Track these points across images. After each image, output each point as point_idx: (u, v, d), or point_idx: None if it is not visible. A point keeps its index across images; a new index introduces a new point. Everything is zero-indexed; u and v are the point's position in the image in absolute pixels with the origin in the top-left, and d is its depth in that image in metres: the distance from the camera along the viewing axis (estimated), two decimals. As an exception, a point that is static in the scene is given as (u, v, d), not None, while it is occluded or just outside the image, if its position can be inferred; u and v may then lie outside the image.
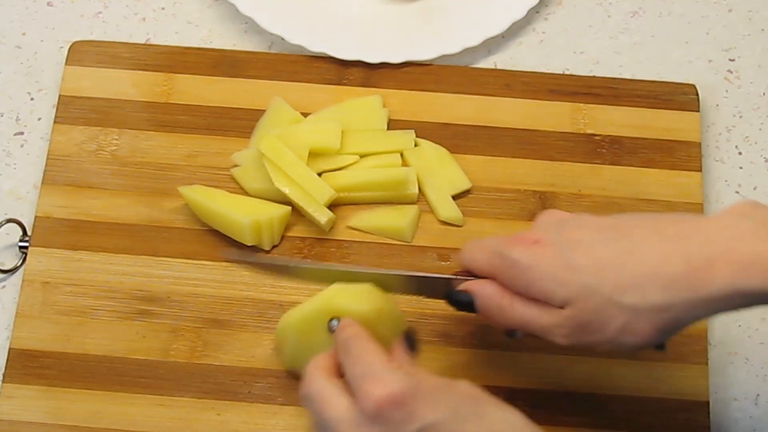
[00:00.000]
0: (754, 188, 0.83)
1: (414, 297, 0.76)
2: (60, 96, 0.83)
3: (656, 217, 0.63)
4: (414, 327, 0.71)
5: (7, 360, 0.75)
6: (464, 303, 0.67)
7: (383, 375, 0.60)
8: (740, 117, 0.85)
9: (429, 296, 0.72)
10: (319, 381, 0.63)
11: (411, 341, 0.69)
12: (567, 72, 0.86)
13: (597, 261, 0.61)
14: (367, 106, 0.83)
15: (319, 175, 0.78)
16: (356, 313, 0.67)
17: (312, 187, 0.77)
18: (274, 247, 0.78)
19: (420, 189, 0.80)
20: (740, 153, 0.84)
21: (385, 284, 0.71)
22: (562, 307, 0.62)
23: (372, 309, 0.68)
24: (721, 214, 0.61)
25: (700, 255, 0.59)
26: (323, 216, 0.77)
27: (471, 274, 0.67)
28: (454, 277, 0.68)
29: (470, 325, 0.76)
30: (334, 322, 0.68)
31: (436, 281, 0.70)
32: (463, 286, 0.67)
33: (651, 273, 0.59)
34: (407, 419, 0.59)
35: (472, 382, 0.64)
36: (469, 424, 0.59)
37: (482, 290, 0.66)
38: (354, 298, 0.69)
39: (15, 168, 0.83)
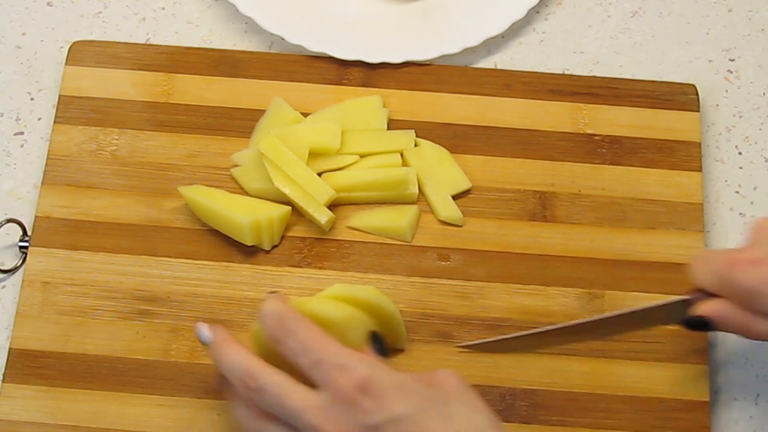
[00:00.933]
0: (754, 188, 0.83)
1: (414, 299, 0.77)
2: (60, 96, 0.83)
3: None
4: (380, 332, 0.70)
5: (7, 360, 0.75)
6: (703, 326, 0.67)
7: (354, 363, 0.60)
8: (740, 117, 0.85)
9: (664, 323, 0.72)
10: (265, 373, 0.62)
11: (380, 344, 0.68)
12: (567, 72, 0.86)
13: None
14: (367, 106, 0.83)
15: (319, 175, 0.78)
16: (324, 318, 0.67)
17: (312, 187, 0.77)
18: (274, 247, 0.78)
19: (420, 189, 0.80)
20: (740, 153, 0.84)
21: (608, 327, 0.72)
22: None
23: (342, 316, 0.68)
24: None
25: None
26: (323, 216, 0.77)
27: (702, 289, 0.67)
28: (690, 297, 0.68)
29: (470, 325, 0.76)
30: (202, 328, 0.66)
31: (671, 307, 0.70)
32: (699, 311, 0.67)
33: None
34: (376, 409, 0.59)
35: (454, 372, 0.63)
36: (435, 422, 0.59)
37: (719, 313, 0.66)
38: (324, 304, 0.69)
39: (15, 168, 0.83)
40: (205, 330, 0.66)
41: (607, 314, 0.73)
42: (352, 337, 0.68)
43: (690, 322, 0.68)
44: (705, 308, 0.66)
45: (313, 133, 0.80)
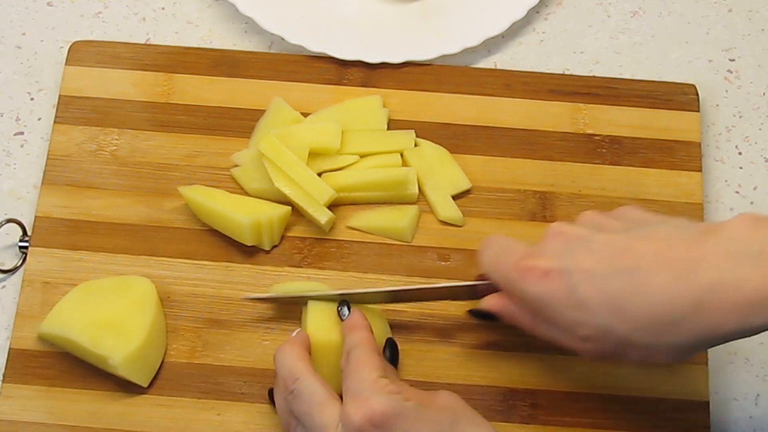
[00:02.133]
0: (754, 188, 0.83)
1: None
2: (60, 96, 0.83)
3: (665, 234, 0.61)
4: (394, 339, 0.73)
5: (7, 360, 0.75)
6: (489, 318, 0.69)
7: (369, 395, 0.62)
8: (740, 117, 0.85)
9: (454, 299, 0.74)
10: (307, 380, 0.65)
11: (393, 351, 0.72)
12: (567, 72, 0.86)
13: (608, 300, 0.61)
14: (367, 106, 0.83)
15: (319, 175, 0.78)
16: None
17: (312, 187, 0.77)
18: (274, 247, 0.78)
19: (420, 189, 0.80)
20: (740, 153, 0.84)
21: (404, 297, 0.74)
22: (582, 340, 0.63)
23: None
24: (727, 232, 0.60)
25: (709, 297, 0.58)
26: (323, 216, 0.77)
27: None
28: (478, 283, 0.70)
29: (470, 325, 0.76)
30: (345, 311, 0.71)
31: (459, 289, 0.72)
32: (484, 305, 0.68)
33: (660, 314, 0.60)
34: None
35: (452, 393, 0.66)
36: None
37: (504, 311, 0.67)
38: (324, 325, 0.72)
39: (15, 168, 0.83)
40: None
41: (407, 287, 0.75)
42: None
43: (476, 314, 0.70)
44: (491, 303, 0.67)
45: (313, 133, 0.80)
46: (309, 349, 0.69)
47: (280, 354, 0.67)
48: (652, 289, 0.60)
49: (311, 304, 0.73)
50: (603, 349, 0.63)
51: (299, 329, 0.72)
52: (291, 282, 0.77)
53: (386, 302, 0.75)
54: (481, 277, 0.70)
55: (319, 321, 0.72)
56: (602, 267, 0.61)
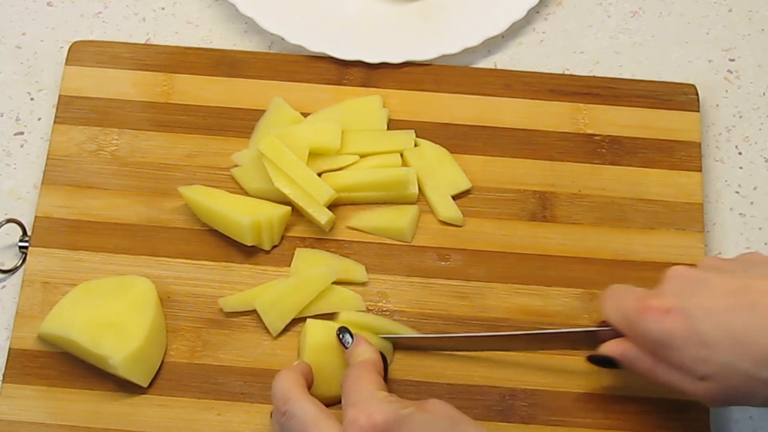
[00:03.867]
0: (754, 188, 0.83)
1: (414, 299, 0.77)
2: (60, 96, 0.83)
3: None
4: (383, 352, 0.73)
5: (7, 360, 0.75)
6: (609, 364, 0.68)
7: (369, 404, 0.62)
8: (740, 117, 0.85)
9: (574, 348, 0.73)
10: (300, 402, 0.65)
11: (384, 363, 0.71)
12: (567, 72, 0.86)
13: (730, 336, 0.61)
14: (367, 106, 0.83)
15: (319, 175, 0.78)
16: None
17: (312, 187, 0.77)
18: (274, 247, 0.78)
19: (420, 189, 0.80)
20: (740, 153, 0.84)
21: (514, 345, 0.74)
22: (703, 379, 0.63)
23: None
24: None
25: None
26: (323, 216, 0.77)
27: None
28: (599, 329, 0.69)
29: (470, 325, 0.76)
30: (348, 338, 0.70)
31: (578, 335, 0.71)
32: (604, 351, 0.68)
33: None
34: None
35: (441, 401, 0.66)
36: None
37: (624, 355, 0.67)
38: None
39: (15, 168, 0.83)
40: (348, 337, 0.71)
41: (516, 332, 0.74)
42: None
43: (596, 360, 0.69)
44: (611, 348, 0.67)
45: (313, 133, 0.80)
46: (308, 378, 0.69)
47: (276, 379, 0.68)
48: None
49: (310, 323, 0.73)
50: (726, 388, 0.62)
51: (300, 360, 0.72)
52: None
53: (489, 349, 0.74)
54: (602, 324, 0.69)
55: (319, 341, 0.73)
56: (722, 304, 0.62)
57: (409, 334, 0.75)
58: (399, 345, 0.75)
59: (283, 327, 0.75)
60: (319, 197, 0.77)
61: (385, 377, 0.71)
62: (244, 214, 0.76)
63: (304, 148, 0.78)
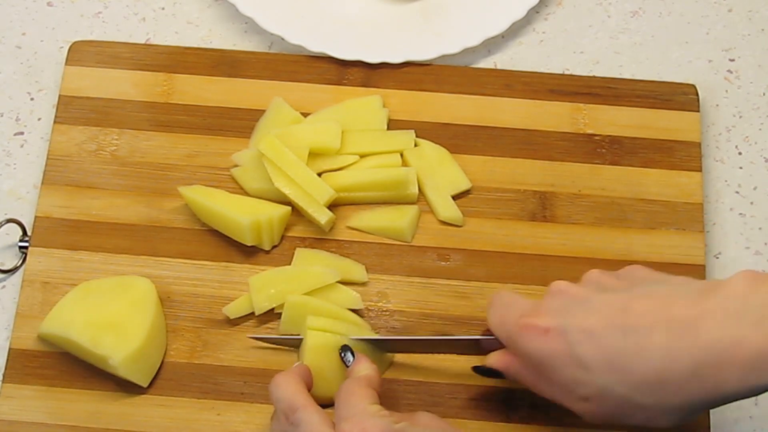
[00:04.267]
0: (754, 188, 0.83)
1: (414, 299, 0.77)
2: (60, 96, 0.83)
3: (665, 293, 0.61)
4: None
5: (7, 360, 0.75)
6: (493, 374, 0.68)
7: (362, 418, 0.62)
8: (740, 117, 0.85)
9: (459, 353, 0.73)
10: (306, 411, 0.64)
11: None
12: (567, 72, 0.86)
13: (607, 359, 0.61)
14: (367, 106, 0.83)
15: (319, 175, 0.78)
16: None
17: (312, 187, 0.77)
18: (274, 247, 0.78)
19: (420, 189, 0.80)
20: (740, 153, 0.84)
21: (412, 347, 0.74)
22: (582, 399, 0.63)
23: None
24: (727, 290, 0.59)
25: (709, 356, 0.58)
26: (323, 216, 0.77)
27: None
28: (483, 338, 0.70)
29: (470, 325, 0.76)
30: (349, 357, 0.70)
31: (463, 343, 0.72)
32: (488, 362, 0.68)
33: (660, 373, 0.59)
34: None
35: (430, 413, 0.66)
36: None
37: (507, 368, 0.67)
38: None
39: (15, 168, 0.83)
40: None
41: (415, 336, 0.75)
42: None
43: (480, 371, 0.69)
44: (495, 360, 0.67)
45: (313, 133, 0.80)
46: (309, 382, 0.69)
47: (276, 386, 0.67)
48: (651, 349, 0.59)
49: (311, 324, 0.73)
50: (604, 410, 0.62)
51: (299, 362, 0.72)
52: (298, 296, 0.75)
53: (387, 351, 0.75)
54: (487, 332, 0.69)
55: (319, 342, 0.72)
56: (601, 326, 0.61)
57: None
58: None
59: (266, 310, 0.75)
60: (319, 197, 0.77)
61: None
62: (244, 214, 0.76)
63: (304, 148, 0.78)
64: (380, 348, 0.74)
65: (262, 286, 0.75)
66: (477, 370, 0.70)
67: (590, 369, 0.61)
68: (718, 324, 0.58)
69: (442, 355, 0.75)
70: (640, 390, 0.60)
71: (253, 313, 0.75)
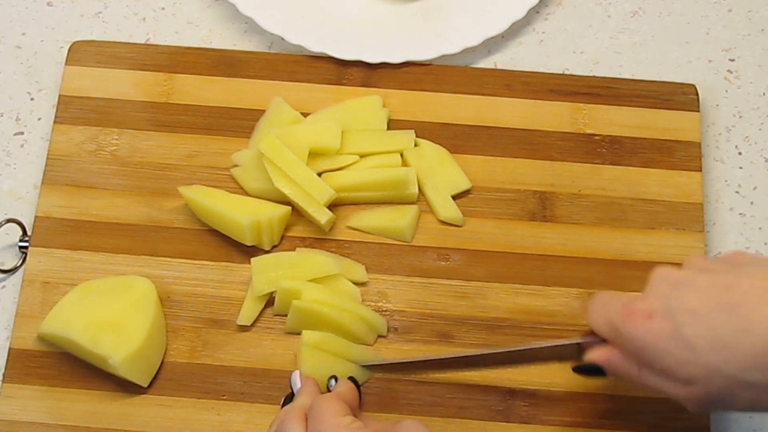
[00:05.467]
0: (754, 188, 0.83)
1: (414, 299, 0.77)
2: (60, 96, 0.83)
3: (762, 272, 0.61)
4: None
5: (7, 360, 0.75)
6: (595, 372, 0.67)
7: (332, 430, 0.63)
8: (740, 117, 0.85)
9: (560, 361, 0.73)
10: (291, 418, 0.65)
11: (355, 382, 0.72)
12: (567, 72, 0.86)
13: (714, 338, 0.60)
14: (367, 106, 0.83)
15: (319, 175, 0.78)
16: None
17: (312, 187, 0.77)
18: (274, 247, 0.78)
19: (420, 189, 0.80)
20: (740, 153, 0.84)
21: (503, 359, 0.74)
22: (687, 382, 0.62)
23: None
24: None
25: None
26: (323, 216, 0.77)
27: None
28: (584, 341, 0.68)
29: (470, 325, 0.76)
30: (332, 383, 0.72)
31: (565, 348, 0.71)
32: (589, 358, 0.66)
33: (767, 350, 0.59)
34: None
35: (417, 421, 0.64)
36: None
37: (609, 363, 0.66)
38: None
39: (15, 168, 0.83)
40: (297, 379, 0.72)
41: (503, 348, 0.74)
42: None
43: (581, 369, 0.68)
44: (596, 355, 0.66)
45: (313, 133, 0.80)
46: (354, 404, 0.69)
47: (284, 424, 0.66)
48: (758, 324, 0.59)
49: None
50: (709, 393, 0.61)
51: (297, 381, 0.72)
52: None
53: (482, 366, 0.75)
54: (587, 335, 0.68)
55: (313, 339, 0.74)
56: (706, 305, 0.61)
57: (386, 360, 0.75)
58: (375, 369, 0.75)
59: (265, 293, 0.75)
60: (319, 197, 0.77)
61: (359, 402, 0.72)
62: (244, 214, 0.76)
63: (304, 148, 0.78)
64: (457, 367, 0.74)
65: (263, 268, 0.75)
66: (578, 369, 0.68)
67: (696, 349, 0.60)
68: None
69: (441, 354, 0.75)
70: (748, 367, 0.60)
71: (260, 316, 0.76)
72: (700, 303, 0.61)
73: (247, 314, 0.76)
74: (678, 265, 0.64)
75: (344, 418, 0.64)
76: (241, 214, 0.76)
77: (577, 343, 0.69)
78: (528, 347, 0.73)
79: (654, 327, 0.62)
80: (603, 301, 0.66)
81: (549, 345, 0.72)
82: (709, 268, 0.63)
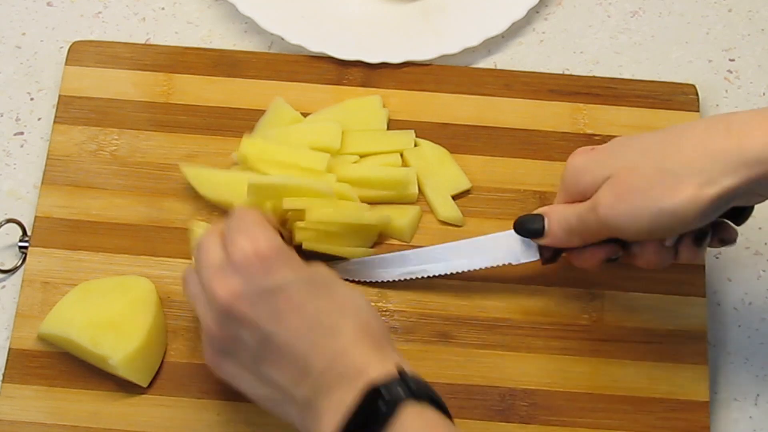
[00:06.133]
0: (754, 188, 0.83)
1: (414, 299, 0.77)
2: (60, 96, 0.83)
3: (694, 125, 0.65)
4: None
5: (7, 360, 0.75)
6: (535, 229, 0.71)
7: (255, 231, 0.64)
8: (740, 117, 0.85)
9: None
10: (207, 235, 0.66)
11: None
12: (567, 72, 0.86)
13: (643, 146, 0.64)
14: (367, 106, 0.83)
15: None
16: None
17: (305, 159, 0.77)
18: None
19: (420, 189, 0.80)
20: (740, 153, 0.84)
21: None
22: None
23: None
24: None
25: (739, 124, 0.62)
26: (325, 184, 0.76)
27: None
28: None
29: (470, 325, 0.76)
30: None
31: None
32: (536, 211, 0.70)
33: (696, 145, 0.62)
34: (268, 273, 0.63)
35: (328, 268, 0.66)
36: (320, 297, 0.63)
37: (552, 210, 0.70)
38: None
39: (15, 168, 0.83)
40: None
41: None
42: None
43: (522, 226, 0.72)
44: (541, 209, 0.71)
45: (313, 133, 0.80)
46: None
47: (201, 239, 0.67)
48: (687, 135, 0.64)
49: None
50: (626, 183, 0.64)
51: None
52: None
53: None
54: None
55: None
56: (642, 138, 0.66)
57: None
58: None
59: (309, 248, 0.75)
60: (316, 165, 0.77)
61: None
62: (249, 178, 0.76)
63: (304, 148, 0.78)
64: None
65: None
66: (518, 225, 0.72)
67: (625, 150, 0.66)
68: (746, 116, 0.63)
69: (440, 356, 0.75)
70: (671, 160, 0.63)
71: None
72: (637, 139, 0.66)
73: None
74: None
75: (267, 228, 0.65)
76: (245, 178, 0.76)
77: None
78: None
79: (593, 153, 0.67)
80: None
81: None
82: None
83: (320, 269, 0.66)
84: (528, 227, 0.71)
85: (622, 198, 0.64)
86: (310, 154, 0.77)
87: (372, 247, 0.78)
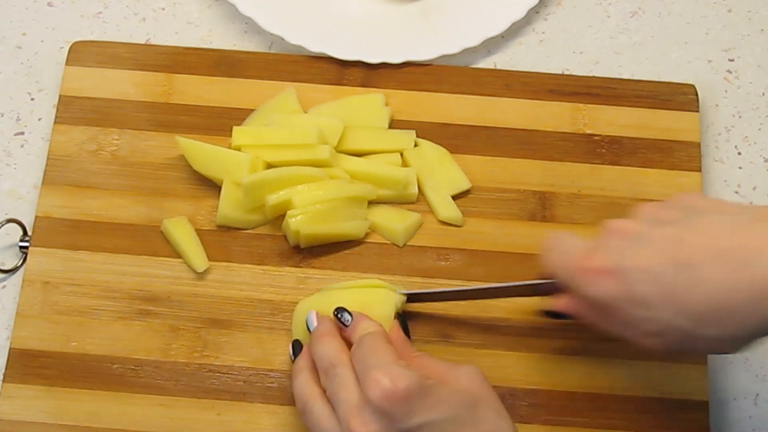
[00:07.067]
0: (754, 188, 0.83)
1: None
2: (60, 96, 0.83)
3: (717, 224, 0.61)
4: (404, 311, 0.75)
5: (7, 360, 0.75)
6: (562, 317, 0.69)
7: (391, 369, 0.62)
8: (739, 117, 0.85)
9: (526, 296, 0.74)
10: (344, 367, 0.65)
11: (404, 324, 0.73)
12: (567, 72, 0.86)
13: (666, 295, 0.61)
14: (369, 104, 0.83)
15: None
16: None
17: (300, 135, 0.78)
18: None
19: (420, 189, 0.80)
20: (739, 153, 0.84)
21: (466, 296, 0.76)
22: (647, 335, 0.63)
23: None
24: None
25: (766, 285, 0.58)
26: (324, 152, 0.77)
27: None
28: (540, 282, 0.70)
29: (470, 325, 0.76)
30: (347, 317, 0.70)
31: (521, 289, 0.73)
32: (559, 307, 0.68)
33: (718, 306, 0.59)
34: (408, 415, 0.62)
35: (475, 369, 0.66)
36: (465, 428, 0.62)
37: (578, 313, 0.67)
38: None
39: (15, 168, 0.83)
40: (313, 318, 0.71)
41: (480, 286, 0.76)
42: (377, 314, 0.72)
43: (551, 315, 0.70)
44: (565, 306, 0.68)
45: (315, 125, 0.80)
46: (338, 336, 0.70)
47: (320, 347, 0.68)
48: (707, 282, 0.60)
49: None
50: (668, 343, 0.63)
51: (314, 320, 0.72)
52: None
53: (445, 300, 0.76)
54: (542, 276, 0.70)
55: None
56: (657, 262, 0.61)
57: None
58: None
59: (307, 233, 0.76)
60: (310, 139, 0.77)
61: (407, 331, 0.73)
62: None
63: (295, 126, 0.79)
64: (431, 299, 0.76)
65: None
66: (548, 314, 0.71)
67: (651, 306, 0.61)
68: None
69: (440, 356, 0.75)
70: (700, 322, 0.60)
71: (254, 311, 0.76)
72: (650, 260, 0.62)
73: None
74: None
75: (401, 361, 0.64)
76: (238, 155, 0.77)
77: (535, 285, 0.71)
78: (484, 287, 0.74)
79: (610, 286, 0.63)
80: (559, 248, 0.67)
81: (504, 286, 0.73)
82: (659, 219, 0.64)
83: (465, 378, 0.66)
84: (555, 316, 0.71)
85: (671, 351, 0.64)
86: (300, 130, 0.78)
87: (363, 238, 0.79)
